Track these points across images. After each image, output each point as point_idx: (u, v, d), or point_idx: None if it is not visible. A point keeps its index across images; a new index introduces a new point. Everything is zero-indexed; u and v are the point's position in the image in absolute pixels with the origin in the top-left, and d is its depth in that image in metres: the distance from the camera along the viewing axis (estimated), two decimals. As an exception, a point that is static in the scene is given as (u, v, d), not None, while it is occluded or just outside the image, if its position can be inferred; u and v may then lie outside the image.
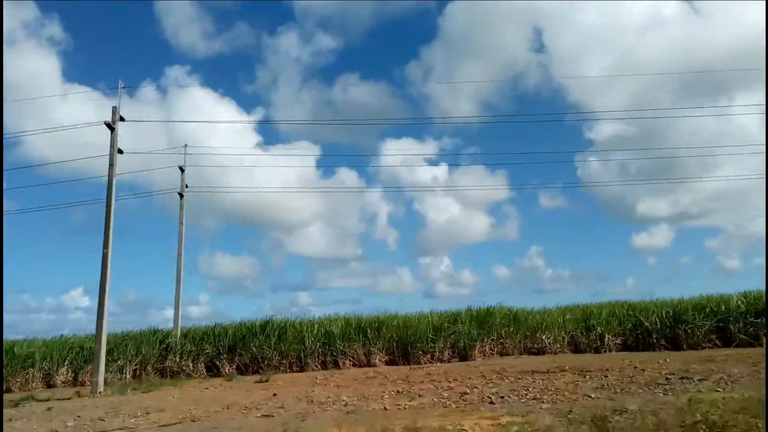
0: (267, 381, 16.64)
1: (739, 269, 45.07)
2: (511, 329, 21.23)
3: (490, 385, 12.48)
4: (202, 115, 41.09)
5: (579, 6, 46.72)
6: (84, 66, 55.00)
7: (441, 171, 45.11)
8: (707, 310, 20.73)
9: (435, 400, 10.80)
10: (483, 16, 48.18)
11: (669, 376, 12.17)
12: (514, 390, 11.31)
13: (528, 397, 10.41)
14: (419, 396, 11.37)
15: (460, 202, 45.23)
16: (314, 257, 50.62)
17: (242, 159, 38.36)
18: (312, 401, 11.53)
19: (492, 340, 20.96)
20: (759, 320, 20.04)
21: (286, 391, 13.59)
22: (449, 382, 13.39)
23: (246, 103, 63.75)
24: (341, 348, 19.81)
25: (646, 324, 20.79)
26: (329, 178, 45.19)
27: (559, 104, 49.39)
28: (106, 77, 62.72)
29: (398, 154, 43.50)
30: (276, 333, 20.38)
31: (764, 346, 18.58)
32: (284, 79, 54.52)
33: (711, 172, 36.52)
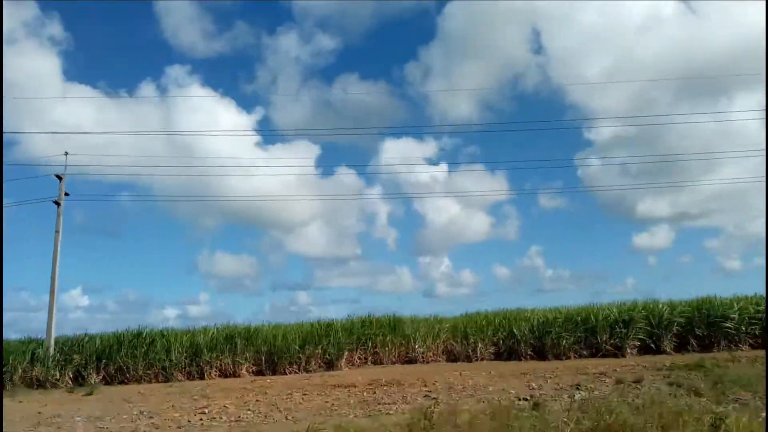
0: (91, 394, 16.65)
1: (738, 270, 45.86)
2: (387, 338, 21.36)
3: (250, 401, 12.62)
4: (202, 114, 40.83)
5: (578, 6, 47.04)
6: (84, 65, 55.04)
7: (441, 171, 45.04)
8: (578, 320, 21.05)
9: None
10: (482, 16, 48.37)
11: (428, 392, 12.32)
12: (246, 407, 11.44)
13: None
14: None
15: (460, 201, 45.40)
16: (313, 256, 50.93)
17: (241, 160, 37.79)
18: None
19: (363, 349, 21.05)
20: (625, 330, 20.41)
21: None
22: (228, 397, 13.42)
23: (246, 103, 64.45)
24: (207, 359, 19.76)
25: (517, 334, 21.05)
26: (328, 177, 45.15)
27: (558, 104, 49.99)
28: (106, 76, 62.46)
29: (399, 162, 42.82)
30: (146, 343, 20.25)
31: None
32: (284, 78, 54.71)
33: (711, 172, 37.04)
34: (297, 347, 19.99)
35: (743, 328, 20.23)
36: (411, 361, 21.22)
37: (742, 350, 19.84)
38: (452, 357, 21.56)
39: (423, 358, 21.23)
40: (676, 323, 20.37)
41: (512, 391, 12.19)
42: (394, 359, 21.32)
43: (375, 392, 13.15)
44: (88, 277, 53.50)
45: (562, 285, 47.43)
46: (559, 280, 47.99)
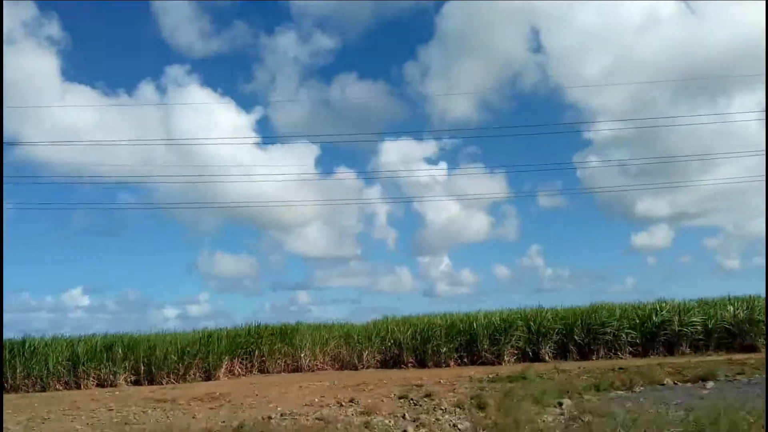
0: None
1: (738, 269, 45.50)
2: (274, 347, 21.40)
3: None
4: (202, 114, 41.01)
5: (577, 6, 47.12)
6: (83, 65, 54.91)
7: (440, 171, 45.00)
8: (461, 327, 21.07)
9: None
10: (480, 15, 48.36)
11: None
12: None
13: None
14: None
15: (460, 201, 45.39)
16: (313, 256, 50.47)
17: (240, 160, 37.81)
18: None
19: (248, 358, 21.10)
20: (502, 338, 20.41)
21: None
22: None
23: (245, 103, 63.65)
24: (84, 368, 19.81)
25: (401, 341, 21.07)
26: (328, 177, 45.23)
27: (557, 103, 49.41)
28: (105, 76, 62.87)
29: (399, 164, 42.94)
30: (28, 352, 20.29)
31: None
32: (282, 78, 54.83)
33: (710, 171, 36.90)
34: (175, 357, 20.02)
35: (623, 336, 20.22)
36: (298, 369, 21.28)
37: (621, 358, 19.86)
38: (341, 365, 21.64)
39: (309, 366, 21.29)
40: (555, 331, 20.36)
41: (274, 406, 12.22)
42: (281, 368, 21.40)
43: (189, 405, 13.16)
44: (89, 276, 54.21)
45: (561, 284, 47.19)
46: (558, 279, 47.78)
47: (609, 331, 20.14)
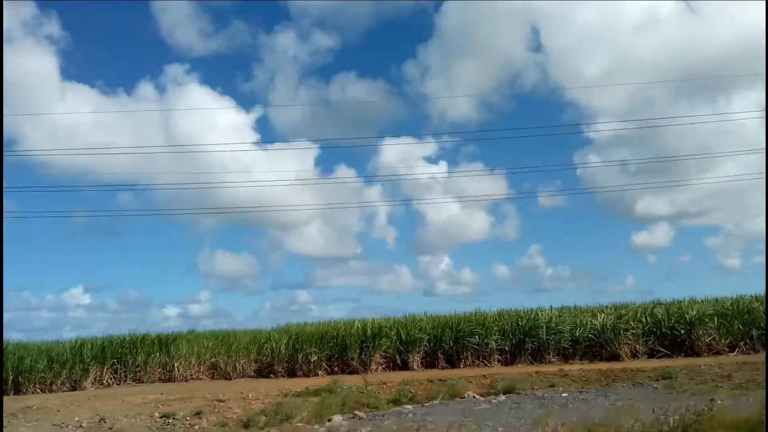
0: None
1: (738, 268, 46.18)
2: (149, 357, 21.37)
3: None
4: (202, 113, 41.05)
5: (577, 5, 47.36)
6: (83, 64, 55.38)
7: (440, 170, 45.08)
8: (335, 335, 21.08)
9: None
10: (480, 14, 48.40)
11: None
12: None
13: None
14: None
15: (460, 200, 45.44)
16: (314, 256, 50.94)
17: (241, 158, 37.81)
18: None
19: (121, 368, 21.06)
20: (374, 344, 20.41)
21: None
22: None
23: (245, 102, 64.47)
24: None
25: (275, 350, 21.07)
26: (328, 176, 45.50)
27: (556, 103, 50.48)
28: (105, 75, 63.69)
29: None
30: None
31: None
32: (282, 77, 54.93)
33: (710, 170, 37.09)
34: (41, 366, 19.99)
35: (492, 344, 20.23)
36: (172, 379, 21.26)
37: (488, 366, 19.88)
38: (217, 374, 21.65)
39: (183, 376, 21.27)
40: (423, 340, 20.37)
41: (77, 419, 12.21)
42: (155, 378, 21.38)
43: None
44: (89, 275, 55.28)
45: (561, 284, 47.73)
46: (558, 279, 48.26)
47: (476, 339, 20.14)
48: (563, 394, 12.81)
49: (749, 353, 18.96)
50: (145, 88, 50.69)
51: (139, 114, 43.78)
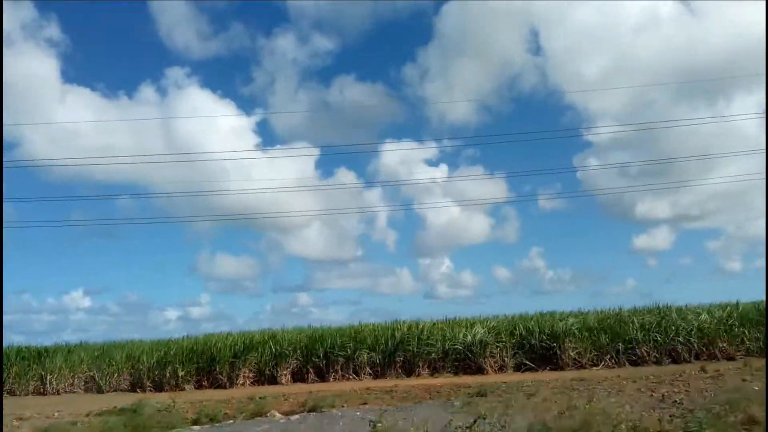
0: None
1: (739, 271, 46.15)
2: (25, 369, 21.17)
3: None
4: (203, 115, 40.97)
5: (576, 6, 47.73)
6: (82, 67, 55.48)
7: (440, 172, 45.04)
8: (197, 351, 20.80)
9: None
10: (479, 16, 48.39)
11: None
12: None
13: None
14: None
15: (460, 203, 45.29)
16: (314, 258, 50.92)
17: (241, 161, 38.46)
18: None
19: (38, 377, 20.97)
20: (243, 358, 20.15)
21: None
22: None
23: (245, 105, 64.39)
24: None
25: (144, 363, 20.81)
26: (328, 178, 45.67)
27: (556, 104, 50.55)
28: (105, 78, 63.56)
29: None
30: None
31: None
32: (281, 80, 55.18)
33: (710, 172, 37.26)
34: None
35: (363, 357, 20.00)
36: (43, 393, 21.01)
37: (358, 380, 19.65)
38: (93, 387, 21.38)
39: (56, 389, 21.02)
40: (291, 354, 20.13)
41: None
42: (29, 391, 21.14)
43: None
44: (90, 278, 55.09)
45: (562, 286, 47.59)
46: (559, 281, 48.13)
47: (346, 352, 19.90)
48: (356, 413, 12.53)
49: (614, 367, 18.78)
50: (146, 92, 50.62)
51: (140, 114, 43.65)
